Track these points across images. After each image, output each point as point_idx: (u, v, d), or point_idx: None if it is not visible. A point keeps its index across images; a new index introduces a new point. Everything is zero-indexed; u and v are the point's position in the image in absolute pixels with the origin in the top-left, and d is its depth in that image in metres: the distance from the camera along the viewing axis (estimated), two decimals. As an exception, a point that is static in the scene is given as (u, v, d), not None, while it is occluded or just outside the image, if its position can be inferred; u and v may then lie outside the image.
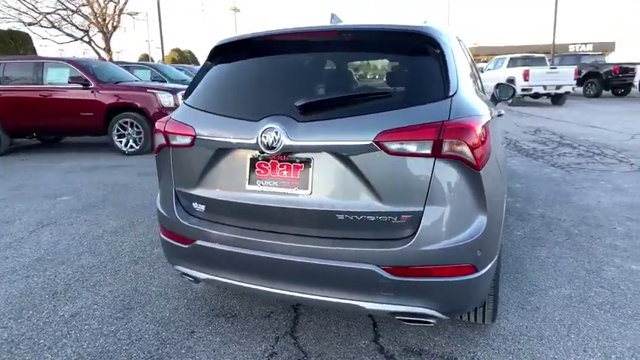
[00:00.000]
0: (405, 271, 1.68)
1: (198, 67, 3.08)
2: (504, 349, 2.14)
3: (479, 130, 1.64)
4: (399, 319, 1.79)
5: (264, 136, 1.76)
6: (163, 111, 7.81)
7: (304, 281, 1.83)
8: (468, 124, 1.63)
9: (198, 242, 2.02)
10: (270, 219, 1.88)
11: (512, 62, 17.00)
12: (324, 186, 1.77)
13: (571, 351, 2.13)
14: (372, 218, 1.70)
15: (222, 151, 1.93)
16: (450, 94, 1.72)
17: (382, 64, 1.90)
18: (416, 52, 1.81)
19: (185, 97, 2.24)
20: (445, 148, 1.61)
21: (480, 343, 2.20)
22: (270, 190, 1.85)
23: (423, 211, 1.66)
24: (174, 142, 2.09)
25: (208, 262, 2.04)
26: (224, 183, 1.97)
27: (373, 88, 1.82)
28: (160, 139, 2.16)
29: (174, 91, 8.20)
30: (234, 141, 1.87)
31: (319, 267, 1.76)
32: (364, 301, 1.75)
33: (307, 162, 1.78)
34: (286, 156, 1.79)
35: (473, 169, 1.63)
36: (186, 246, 2.07)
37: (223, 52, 2.18)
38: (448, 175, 1.63)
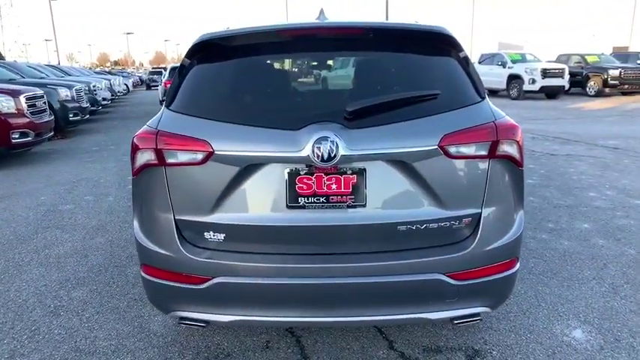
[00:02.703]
0: (467, 275, 1.67)
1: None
2: (504, 329, 2.33)
3: (520, 129, 1.73)
4: (457, 323, 1.78)
5: (317, 147, 1.53)
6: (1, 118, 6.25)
7: (365, 303, 1.67)
8: (514, 124, 1.70)
9: (219, 280, 1.66)
10: (319, 240, 1.65)
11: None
12: (381, 197, 1.63)
13: (550, 317, 2.43)
14: (435, 225, 1.64)
15: (251, 167, 1.61)
16: (483, 95, 1.77)
17: (408, 64, 1.83)
18: (443, 53, 1.80)
19: (169, 102, 1.80)
20: (500, 148, 1.65)
21: (481, 329, 2.34)
22: (318, 208, 1.62)
23: (481, 213, 1.67)
24: (172, 161, 1.66)
25: (234, 301, 1.70)
26: (254, 205, 1.66)
27: (413, 89, 1.73)
28: (144, 157, 1.70)
29: (15, 93, 6.58)
30: (272, 155, 1.58)
31: (382, 285, 1.62)
32: (429, 312, 1.69)
33: (360, 173, 1.61)
34: (335, 168, 1.59)
35: (518, 167, 1.71)
36: (200, 286, 1.69)
37: (224, 48, 1.80)
38: (500, 174, 1.68)
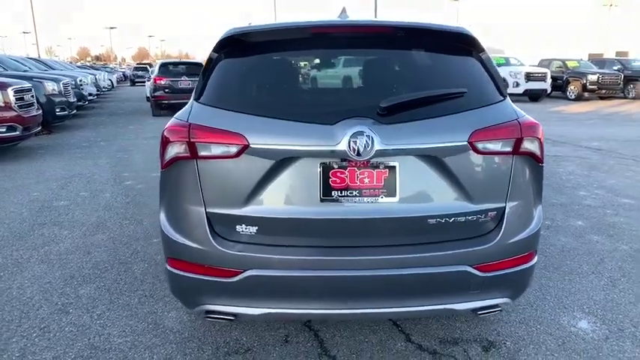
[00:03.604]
0: (492, 267, 1.73)
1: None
2: (514, 321, 2.41)
3: (541, 127, 1.80)
4: (480, 314, 1.84)
5: (354, 141, 1.56)
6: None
7: (395, 295, 1.71)
8: (535, 122, 1.76)
9: (251, 273, 1.67)
10: (351, 233, 1.68)
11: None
12: (412, 191, 1.67)
13: (557, 309, 2.52)
14: (463, 219, 1.69)
15: (286, 161, 1.63)
16: (505, 94, 1.83)
17: (432, 62, 1.88)
18: (466, 53, 1.85)
19: (197, 96, 1.80)
20: (523, 145, 1.71)
21: (493, 321, 2.41)
22: (351, 201, 1.65)
23: (505, 207, 1.73)
24: (204, 153, 1.66)
25: (266, 294, 1.71)
26: (288, 198, 1.68)
27: (439, 87, 1.78)
28: (175, 150, 1.70)
29: (2, 86, 6.39)
30: (308, 148, 1.60)
31: (411, 277, 1.66)
32: (456, 303, 1.74)
33: (392, 167, 1.65)
34: (368, 162, 1.63)
35: (538, 163, 1.78)
36: (231, 280, 1.69)
37: (254, 43, 1.81)
38: (522, 170, 1.74)
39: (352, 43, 1.85)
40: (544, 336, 2.29)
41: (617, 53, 34.05)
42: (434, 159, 1.65)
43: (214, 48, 1.86)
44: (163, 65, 12.71)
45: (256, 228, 1.68)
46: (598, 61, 20.23)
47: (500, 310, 1.92)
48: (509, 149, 1.69)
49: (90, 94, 13.80)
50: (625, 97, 17.90)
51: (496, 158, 1.70)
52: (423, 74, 1.86)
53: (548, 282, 2.85)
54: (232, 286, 1.70)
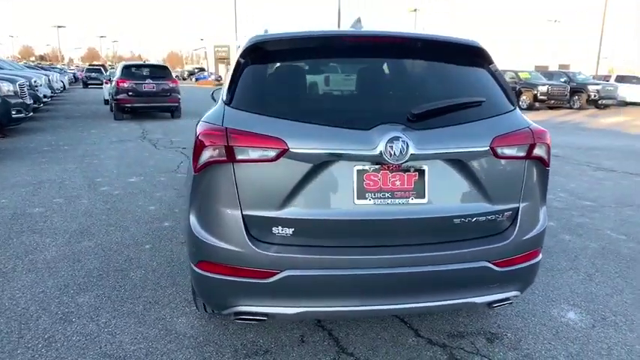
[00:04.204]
0: (508, 262, 1.88)
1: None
2: (511, 314, 2.59)
3: (549, 134, 1.98)
4: (494, 307, 1.98)
5: (390, 146, 1.66)
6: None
7: (422, 290, 1.81)
8: (544, 130, 1.94)
9: (287, 273, 1.72)
10: (383, 233, 1.78)
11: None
12: (439, 192, 1.79)
13: (546, 303, 2.74)
14: (483, 218, 1.83)
15: (323, 164, 1.70)
16: (515, 104, 2.00)
17: (450, 72, 2.02)
18: (479, 64, 2.01)
19: (228, 100, 1.84)
20: (535, 150, 1.88)
21: (492, 315, 2.59)
22: (383, 203, 1.75)
23: (519, 207, 1.89)
24: (242, 157, 1.70)
25: (301, 294, 1.76)
26: (324, 200, 1.74)
27: (457, 96, 1.92)
28: (211, 154, 1.72)
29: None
30: (346, 152, 1.68)
31: (439, 273, 1.78)
32: (476, 297, 1.87)
33: (421, 170, 1.76)
34: (400, 166, 1.73)
35: (545, 167, 1.96)
36: (267, 280, 1.73)
37: (285, 50, 1.88)
38: (533, 173, 1.91)
39: (378, 53, 1.96)
40: (539, 327, 2.48)
41: (560, 66, 36.67)
42: (459, 163, 1.78)
43: (242, 53, 1.91)
44: (126, 67, 12.30)
45: (292, 229, 1.74)
46: (545, 73, 21.74)
47: (510, 303, 2.08)
48: (523, 154, 1.86)
49: (45, 96, 13.08)
50: (571, 108, 19.29)
51: (512, 162, 1.86)
52: (442, 83, 1.99)
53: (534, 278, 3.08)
54: (268, 286, 1.74)
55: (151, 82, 11.91)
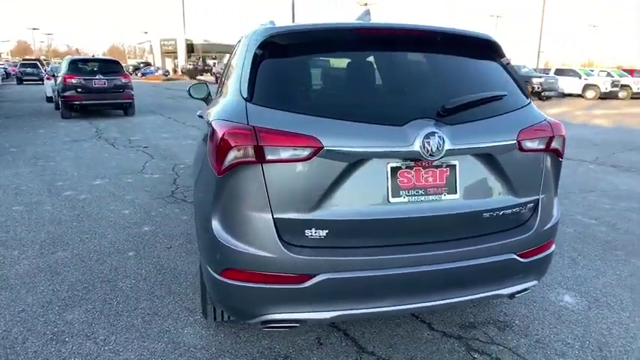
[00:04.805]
0: (531, 253, 1.92)
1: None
2: (514, 302, 2.67)
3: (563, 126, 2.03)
4: (516, 296, 2.02)
5: (427, 142, 1.63)
6: None
7: (457, 285, 1.81)
8: (559, 123, 1.99)
9: (324, 276, 1.65)
10: (417, 230, 1.75)
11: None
12: (470, 187, 1.79)
13: (542, 289, 2.85)
14: (509, 211, 1.85)
15: (358, 162, 1.64)
16: (529, 98, 2.04)
17: (469, 66, 2.02)
18: (494, 59, 2.03)
19: (249, 96, 1.72)
20: (552, 143, 1.92)
21: (496, 304, 2.65)
22: (417, 200, 1.72)
23: (539, 199, 1.93)
24: (272, 157, 1.60)
25: (338, 296, 1.70)
26: (358, 200, 1.68)
27: (480, 90, 1.91)
28: (238, 155, 1.61)
29: None
30: (381, 150, 1.63)
31: (470, 267, 1.78)
32: (503, 288, 1.90)
33: (452, 166, 1.75)
34: (432, 162, 1.71)
35: (560, 158, 2.01)
36: (302, 285, 1.66)
37: (307, 44, 1.79)
38: (550, 165, 1.96)
39: (403, 46, 1.91)
40: (542, 312, 2.58)
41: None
42: (488, 157, 1.78)
43: (260, 46, 1.80)
44: (74, 62, 11.47)
45: (326, 231, 1.67)
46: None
47: (529, 292, 2.13)
48: (543, 147, 1.90)
49: (-21, 93, 11.93)
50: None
51: (533, 155, 1.89)
52: (464, 77, 1.99)
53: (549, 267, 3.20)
54: (302, 292, 1.66)
55: (102, 77, 11.18)
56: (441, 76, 1.97)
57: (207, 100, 4.07)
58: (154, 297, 2.67)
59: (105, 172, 5.75)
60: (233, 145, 1.61)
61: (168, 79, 39.48)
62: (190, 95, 3.99)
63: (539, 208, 1.94)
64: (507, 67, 2.04)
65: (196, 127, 10.21)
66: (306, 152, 1.60)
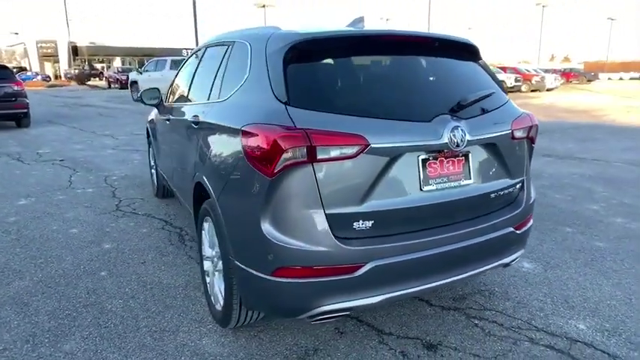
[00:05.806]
0: (521, 225, 2.26)
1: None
2: (489, 273, 3.06)
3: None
4: (510, 265, 2.35)
5: (453, 135, 1.85)
6: None
7: (475, 258, 2.06)
8: (533, 115, 2.36)
9: (374, 264, 1.79)
10: (443, 214, 1.96)
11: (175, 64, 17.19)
12: (480, 173, 2.06)
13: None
14: (507, 191, 2.17)
15: (397, 157, 1.80)
16: (506, 93, 2.39)
17: (463, 69, 2.29)
18: (476, 61, 2.34)
19: (287, 100, 1.79)
20: (531, 131, 2.29)
21: (486, 282, 3.01)
22: (443, 187, 1.93)
23: (524, 179, 2.29)
24: (323, 156, 1.69)
25: (387, 280, 1.84)
26: (397, 190, 1.85)
27: (475, 89, 2.19)
28: (289, 156, 1.67)
29: None
30: (417, 144, 1.82)
31: (484, 242, 2.05)
32: (505, 258, 2.21)
33: (466, 155, 2.00)
34: (451, 152, 1.94)
35: (533, 144, 2.39)
36: (354, 274, 1.77)
37: (338, 48, 1.92)
38: (529, 150, 2.33)
39: (415, 50, 2.14)
40: (512, 278, 3.00)
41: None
42: (492, 145, 2.07)
43: (288, 50, 1.87)
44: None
45: (372, 222, 1.80)
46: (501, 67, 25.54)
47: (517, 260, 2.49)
48: (525, 135, 2.25)
49: None
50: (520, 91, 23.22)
51: (519, 142, 2.23)
52: (461, 78, 2.26)
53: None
54: (354, 280, 1.77)
55: (-5, 84, 9.76)
56: (444, 76, 2.23)
57: (159, 106, 3.90)
58: (152, 313, 2.54)
59: (27, 191, 5.11)
60: (286, 147, 1.66)
61: (52, 86, 35.28)
62: (142, 101, 3.80)
63: (525, 187, 2.30)
64: (486, 68, 2.37)
65: (110, 137, 9.44)
66: (353, 150, 1.72)
